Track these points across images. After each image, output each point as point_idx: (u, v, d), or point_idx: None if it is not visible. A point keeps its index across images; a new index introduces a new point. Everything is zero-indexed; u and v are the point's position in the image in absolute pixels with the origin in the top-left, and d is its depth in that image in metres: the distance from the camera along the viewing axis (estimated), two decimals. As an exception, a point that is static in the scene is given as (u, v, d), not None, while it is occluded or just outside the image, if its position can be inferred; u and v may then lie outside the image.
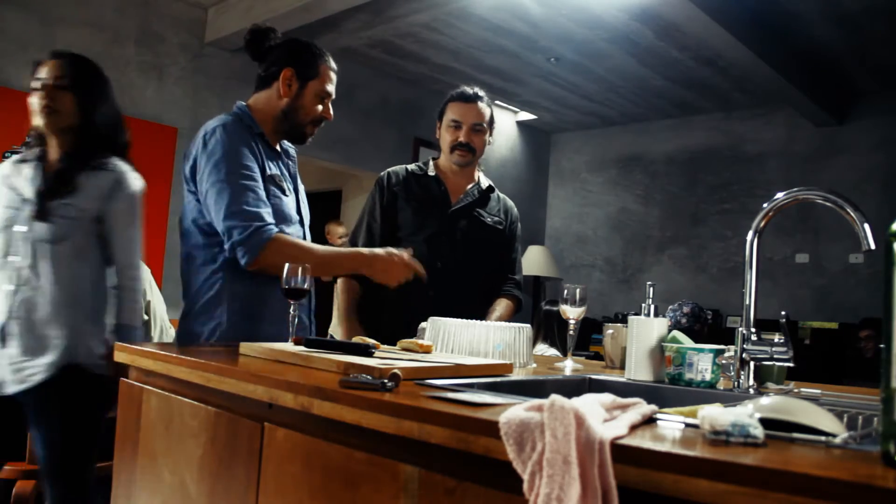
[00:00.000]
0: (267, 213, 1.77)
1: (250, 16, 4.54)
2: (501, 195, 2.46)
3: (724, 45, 4.63)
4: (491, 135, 2.34)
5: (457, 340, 1.59)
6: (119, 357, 1.56)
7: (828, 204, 1.25)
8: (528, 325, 1.66)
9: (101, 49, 4.42)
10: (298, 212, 1.99)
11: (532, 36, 5.09)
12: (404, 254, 1.85)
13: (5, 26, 4.05)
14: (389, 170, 2.36)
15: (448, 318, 1.65)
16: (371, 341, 1.40)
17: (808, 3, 4.43)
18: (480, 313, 2.25)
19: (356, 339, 1.43)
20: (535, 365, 1.69)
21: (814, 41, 4.97)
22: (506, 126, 7.13)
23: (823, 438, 0.80)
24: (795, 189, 1.32)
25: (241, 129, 1.87)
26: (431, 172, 2.32)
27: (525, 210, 7.32)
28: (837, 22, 4.66)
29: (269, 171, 1.88)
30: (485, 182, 2.39)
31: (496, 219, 2.36)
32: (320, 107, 1.97)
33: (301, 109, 1.94)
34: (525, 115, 7.10)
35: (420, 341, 1.50)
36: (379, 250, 1.85)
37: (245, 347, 1.46)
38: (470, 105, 2.27)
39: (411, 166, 2.36)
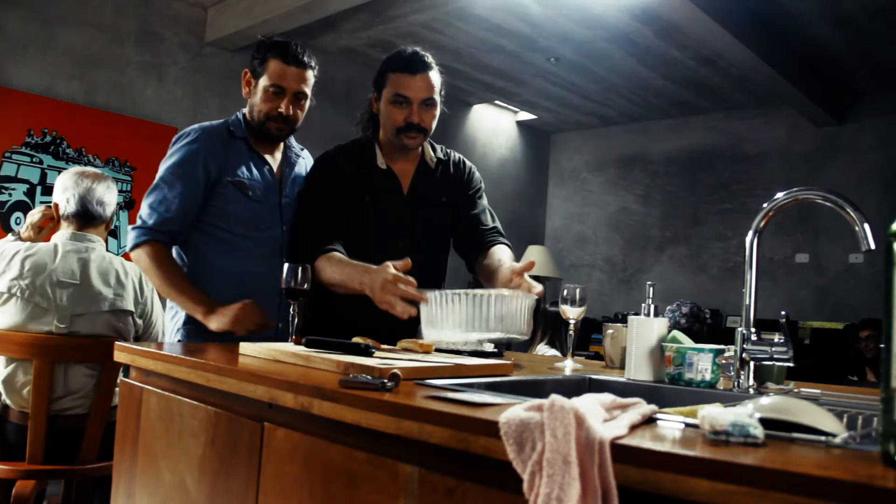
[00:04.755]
0: (163, 221, 1.87)
1: (250, 16, 4.54)
2: (453, 158, 2.11)
3: (725, 45, 4.63)
4: (441, 103, 1.98)
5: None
6: (119, 357, 1.56)
7: (828, 204, 1.25)
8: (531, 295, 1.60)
9: (101, 49, 4.42)
10: (278, 217, 1.98)
11: (532, 36, 5.09)
12: (252, 311, 1.76)
13: (5, 26, 4.04)
14: (332, 158, 2.00)
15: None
16: (371, 341, 1.40)
17: (808, 4, 4.42)
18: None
19: (356, 339, 1.43)
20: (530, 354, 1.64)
21: (814, 41, 4.97)
22: (506, 126, 7.13)
23: (823, 438, 0.80)
24: (795, 189, 1.32)
25: (215, 135, 1.95)
26: (382, 165, 1.97)
27: (525, 210, 7.39)
28: (837, 22, 4.65)
29: (231, 177, 1.91)
30: (433, 156, 2.05)
31: (451, 193, 2.08)
32: (274, 103, 1.90)
33: (255, 107, 1.94)
34: (525, 115, 7.10)
35: (420, 341, 1.50)
36: (225, 315, 1.77)
37: (245, 347, 1.46)
38: (419, 76, 1.88)
39: (353, 154, 1.99)
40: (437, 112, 1.97)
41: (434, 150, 2.08)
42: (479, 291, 1.50)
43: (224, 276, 1.92)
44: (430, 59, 1.93)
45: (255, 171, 1.96)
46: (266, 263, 1.94)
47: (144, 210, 1.91)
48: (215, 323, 1.78)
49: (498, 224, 2.12)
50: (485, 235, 2.07)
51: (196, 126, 1.98)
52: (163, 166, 1.96)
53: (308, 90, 1.95)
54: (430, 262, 2.07)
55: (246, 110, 2.01)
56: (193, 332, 1.90)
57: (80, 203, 2.19)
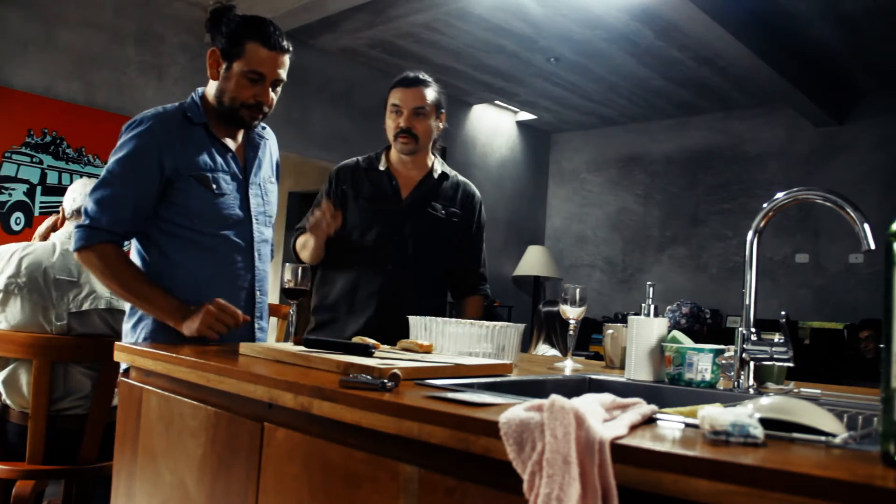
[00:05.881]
0: (114, 222, 1.69)
1: (250, 16, 4.54)
2: (462, 180, 2.32)
3: (724, 45, 4.63)
4: (440, 120, 2.21)
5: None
6: (119, 357, 1.56)
7: (828, 204, 1.25)
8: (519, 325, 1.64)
9: (101, 49, 4.42)
10: (247, 209, 1.84)
11: (532, 36, 5.09)
12: (229, 315, 1.65)
13: (5, 26, 4.04)
14: (341, 164, 2.28)
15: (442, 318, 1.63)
16: (371, 341, 1.40)
17: (808, 4, 4.43)
18: (435, 310, 2.09)
19: (356, 340, 1.43)
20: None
21: (814, 41, 4.97)
22: (506, 126, 7.13)
23: (823, 438, 0.80)
24: (795, 189, 1.32)
25: (171, 123, 1.77)
26: (382, 167, 2.22)
27: (525, 210, 7.39)
28: (837, 22, 4.65)
29: (192, 172, 1.74)
30: (439, 169, 2.25)
31: (452, 210, 2.24)
32: (251, 90, 1.77)
33: (226, 92, 1.77)
34: (525, 115, 7.10)
35: (420, 341, 1.50)
36: (195, 320, 1.64)
37: (245, 347, 1.47)
38: (412, 89, 2.14)
39: (362, 159, 2.26)
40: (433, 123, 2.17)
41: (442, 165, 2.28)
42: (482, 322, 1.57)
43: (193, 278, 1.75)
44: (428, 78, 2.18)
45: (218, 160, 1.80)
46: (238, 263, 1.81)
47: (91, 207, 1.70)
48: (188, 329, 1.64)
49: (485, 269, 2.37)
50: (477, 281, 2.33)
51: (150, 112, 1.78)
52: (112, 157, 1.73)
53: (286, 76, 1.80)
54: (426, 267, 2.18)
55: (209, 92, 1.84)
56: (162, 342, 1.72)
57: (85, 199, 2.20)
